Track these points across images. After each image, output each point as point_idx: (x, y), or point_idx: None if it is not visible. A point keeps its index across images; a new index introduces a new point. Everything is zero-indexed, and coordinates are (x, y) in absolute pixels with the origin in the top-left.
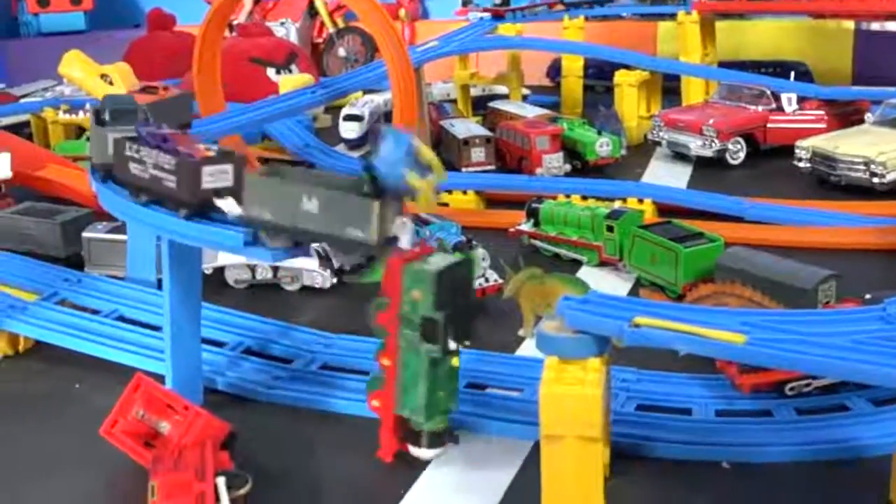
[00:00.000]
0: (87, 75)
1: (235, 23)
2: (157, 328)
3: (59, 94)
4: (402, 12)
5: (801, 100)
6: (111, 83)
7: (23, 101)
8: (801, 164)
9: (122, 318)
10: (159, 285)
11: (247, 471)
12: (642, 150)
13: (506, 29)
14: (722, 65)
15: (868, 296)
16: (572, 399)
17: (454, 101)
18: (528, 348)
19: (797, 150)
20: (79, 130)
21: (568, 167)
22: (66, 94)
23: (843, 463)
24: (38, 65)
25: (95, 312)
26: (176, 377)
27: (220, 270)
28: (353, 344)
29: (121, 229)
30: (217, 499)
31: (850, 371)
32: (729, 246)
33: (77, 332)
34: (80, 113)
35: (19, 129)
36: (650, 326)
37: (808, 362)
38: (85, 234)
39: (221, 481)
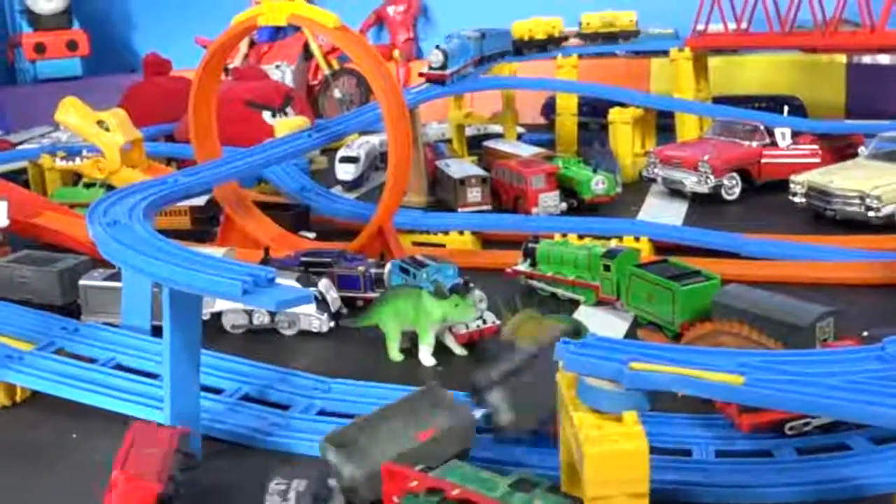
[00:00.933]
0: (84, 121)
1: (231, 66)
2: (154, 376)
3: (56, 141)
4: (396, 53)
5: (794, 134)
6: (108, 129)
7: (20, 147)
8: (797, 199)
9: (119, 367)
10: (154, 332)
11: None
12: (638, 187)
13: (500, 69)
14: (716, 100)
15: (866, 332)
16: (621, 456)
17: (449, 141)
18: None
19: (792, 185)
20: (76, 177)
21: (564, 206)
22: (62, 141)
23: (844, 503)
24: (35, 111)
25: (92, 361)
26: (174, 425)
27: (217, 316)
28: (350, 388)
29: (117, 276)
30: None
31: (848, 412)
32: (726, 283)
33: (74, 382)
34: (77, 159)
35: (16, 177)
36: (648, 370)
37: (805, 403)
38: (81, 282)
39: None
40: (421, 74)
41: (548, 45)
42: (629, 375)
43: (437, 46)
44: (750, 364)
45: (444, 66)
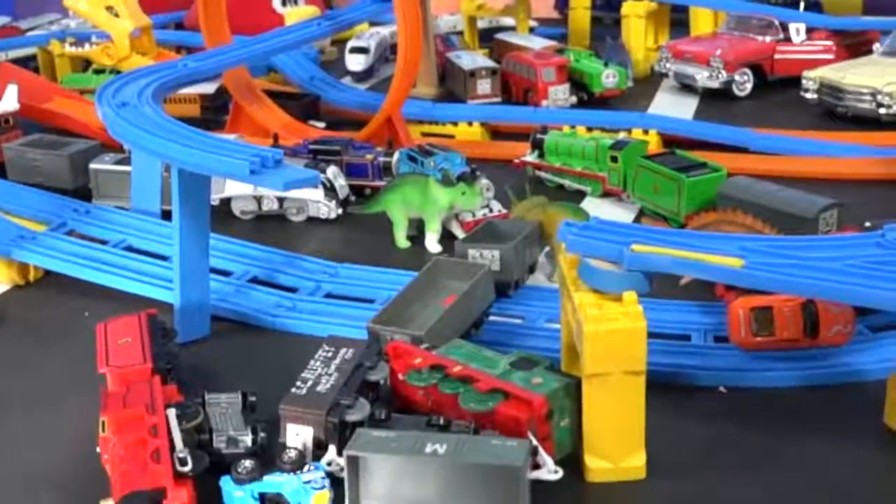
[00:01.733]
0: (93, 7)
1: None
2: (164, 258)
3: (65, 27)
4: None
5: (809, 30)
6: (117, 15)
7: (29, 34)
8: (808, 95)
9: (130, 248)
10: (164, 216)
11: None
12: (649, 82)
13: None
14: None
15: (868, 223)
16: (620, 335)
17: (461, 34)
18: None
19: (804, 81)
20: (85, 63)
21: (574, 99)
22: (72, 27)
23: (840, 387)
24: None
25: (103, 242)
26: (184, 305)
27: (226, 202)
28: (356, 273)
29: (128, 161)
30: (169, 431)
31: (844, 294)
32: (732, 176)
33: (85, 262)
34: (87, 46)
35: (26, 63)
36: (649, 251)
37: (804, 286)
38: (92, 166)
39: (172, 413)
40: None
41: None
42: (630, 257)
43: None
44: (750, 248)
45: None
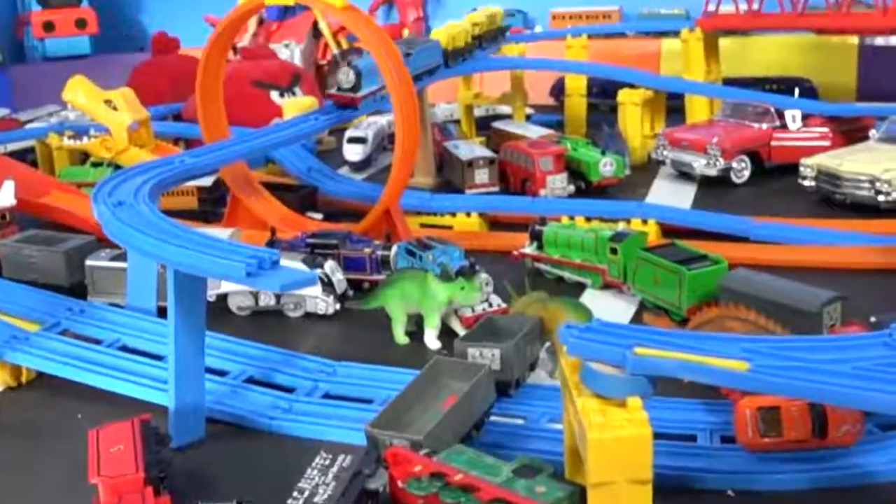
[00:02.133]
0: (91, 101)
1: (239, 45)
2: (159, 357)
3: (63, 120)
4: (405, 32)
5: (805, 117)
6: (115, 108)
7: (28, 126)
8: (806, 183)
9: (124, 348)
10: (160, 313)
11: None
12: (646, 170)
13: (509, 49)
14: (726, 82)
15: (873, 318)
16: (625, 442)
17: (458, 122)
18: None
19: (802, 168)
20: (83, 156)
21: (572, 188)
22: (70, 120)
23: (851, 490)
24: (43, 89)
25: (98, 342)
26: (179, 408)
27: (223, 297)
28: (355, 371)
29: (124, 257)
30: None
31: (853, 399)
32: (733, 267)
33: (79, 363)
34: (85, 139)
35: (24, 155)
36: (653, 355)
37: (811, 390)
38: (88, 262)
39: None
40: (328, 96)
41: (464, 55)
42: (633, 361)
43: (350, 62)
44: (755, 350)
45: (356, 87)
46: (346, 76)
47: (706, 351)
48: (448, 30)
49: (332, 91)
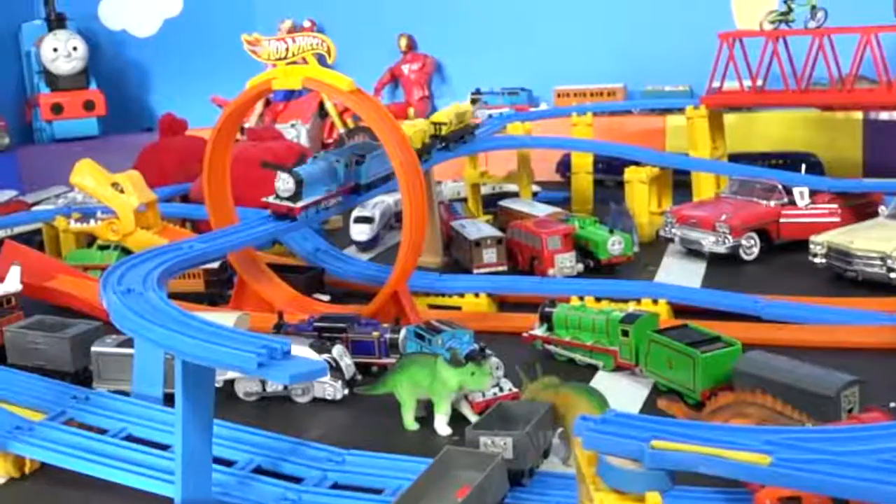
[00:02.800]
0: (99, 184)
1: (246, 126)
2: (165, 447)
3: (71, 202)
4: (411, 111)
5: (812, 193)
6: (122, 191)
7: (35, 208)
8: (817, 260)
9: (130, 437)
10: (166, 400)
11: None
12: (655, 247)
13: (514, 128)
14: (731, 157)
15: (893, 404)
16: None
17: (464, 200)
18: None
19: (812, 246)
20: (90, 239)
21: (581, 266)
22: (78, 202)
23: None
24: (52, 170)
25: (103, 432)
26: (185, 500)
27: (230, 383)
28: (364, 460)
29: (130, 343)
30: None
31: (881, 495)
32: (746, 347)
33: (84, 454)
34: (92, 221)
35: (31, 237)
36: (671, 448)
37: (836, 485)
38: (94, 349)
39: None
40: (266, 204)
41: (422, 157)
42: (651, 455)
43: (290, 171)
44: (776, 442)
45: (295, 196)
46: (284, 183)
47: (726, 443)
48: (405, 130)
49: (270, 199)
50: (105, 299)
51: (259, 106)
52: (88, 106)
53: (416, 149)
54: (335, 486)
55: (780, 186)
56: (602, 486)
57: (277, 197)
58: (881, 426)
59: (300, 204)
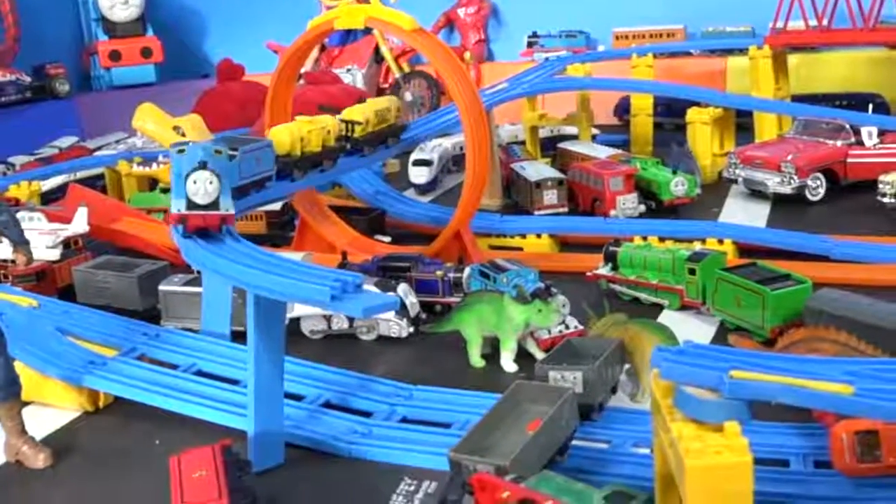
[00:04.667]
0: (160, 127)
1: (303, 71)
2: (235, 382)
3: (131, 147)
4: (467, 55)
5: (881, 133)
6: (183, 135)
7: (97, 154)
8: (885, 200)
9: (200, 373)
10: (234, 337)
11: None
12: (717, 189)
13: (574, 69)
14: (795, 99)
15: None
16: (725, 470)
17: (522, 143)
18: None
19: (881, 185)
20: (152, 182)
21: (643, 208)
22: (138, 147)
23: None
24: (110, 118)
25: (174, 367)
26: (258, 433)
27: (295, 321)
28: (431, 395)
29: (197, 282)
30: None
31: None
32: (816, 286)
33: (156, 388)
34: (154, 165)
35: (93, 183)
36: (750, 378)
37: None
38: (161, 287)
39: None
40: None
41: (321, 165)
42: (730, 384)
43: (206, 165)
44: (858, 373)
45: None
46: (202, 186)
47: (805, 373)
48: (296, 128)
49: (178, 211)
50: (177, 237)
51: (315, 51)
52: (146, 53)
53: (313, 152)
54: (404, 420)
55: (847, 126)
56: (679, 416)
57: (191, 206)
58: None
59: (221, 211)
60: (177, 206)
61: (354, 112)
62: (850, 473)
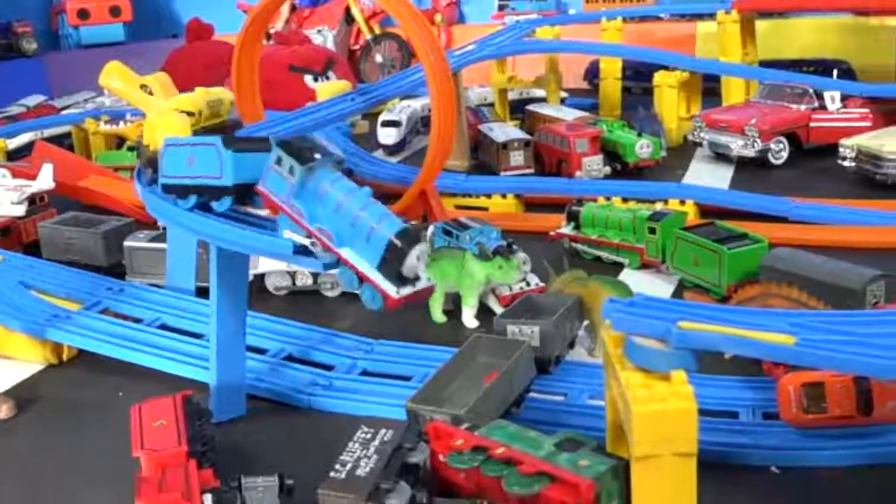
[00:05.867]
0: (127, 86)
1: (273, 31)
2: (199, 336)
3: (99, 105)
4: (438, 17)
5: (844, 98)
6: (151, 93)
7: (64, 112)
8: (846, 164)
9: (164, 327)
10: (198, 293)
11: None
12: (683, 152)
13: (543, 32)
14: (762, 64)
15: None
16: (670, 416)
17: (491, 105)
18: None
19: (841, 149)
20: (119, 141)
21: (608, 169)
22: (106, 105)
23: None
24: (78, 76)
25: (138, 321)
26: (220, 384)
27: (259, 277)
28: (393, 349)
29: (161, 238)
30: None
31: None
32: (773, 247)
33: (120, 341)
34: (121, 123)
35: (61, 141)
36: (697, 329)
37: (860, 364)
38: (126, 243)
39: (208, 499)
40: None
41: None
42: (677, 334)
43: None
44: (801, 324)
45: None
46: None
47: (751, 325)
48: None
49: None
50: (140, 190)
51: (285, 11)
52: (114, 12)
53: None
54: (364, 373)
55: (811, 91)
56: (628, 365)
57: None
58: None
59: None
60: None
61: (184, 102)
62: (796, 424)
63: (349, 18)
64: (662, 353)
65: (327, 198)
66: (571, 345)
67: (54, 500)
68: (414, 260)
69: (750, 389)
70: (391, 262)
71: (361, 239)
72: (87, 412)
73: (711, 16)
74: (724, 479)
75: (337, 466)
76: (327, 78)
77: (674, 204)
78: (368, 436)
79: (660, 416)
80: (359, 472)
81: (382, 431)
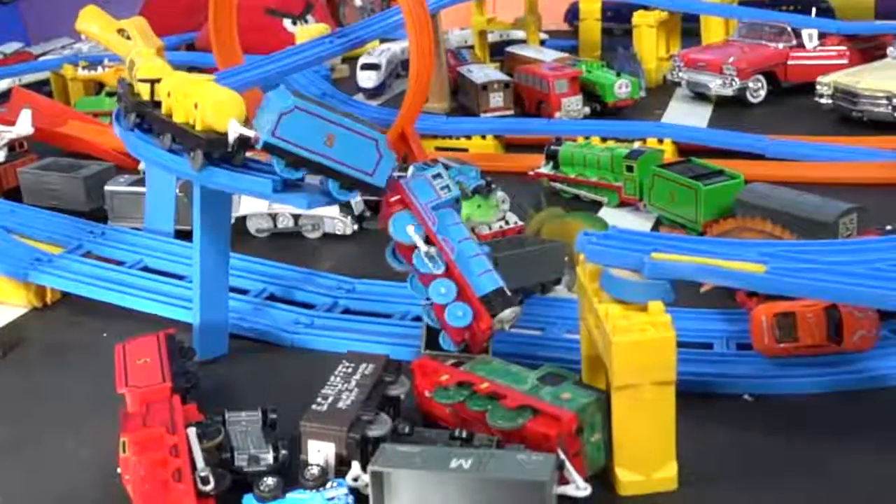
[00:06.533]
0: (105, 31)
1: None
2: (181, 277)
3: (77, 51)
4: None
5: (822, 36)
6: (129, 38)
7: (42, 59)
8: (823, 101)
9: (146, 269)
10: (177, 236)
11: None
12: (662, 91)
13: None
14: (742, 3)
15: (889, 227)
16: (649, 345)
17: (471, 48)
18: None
19: (818, 87)
20: (98, 86)
21: (587, 110)
22: (84, 51)
23: (866, 393)
24: (55, 23)
25: (120, 263)
26: (203, 324)
27: (241, 220)
28: (374, 288)
29: (142, 182)
30: (190, 450)
31: (871, 298)
32: (749, 183)
33: (103, 283)
34: (99, 69)
35: (39, 87)
36: (670, 259)
37: (828, 290)
38: (107, 188)
39: (193, 432)
40: None
41: None
42: (650, 265)
43: None
44: (771, 253)
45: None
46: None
47: (723, 255)
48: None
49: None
50: (119, 131)
51: None
52: None
53: None
54: (346, 311)
55: (789, 29)
56: (605, 297)
57: None
58: (873, 240)
59: None
60: None
61: (155, 70)
62: (769, 354)
63: None
64: (639, 284)
65: (458, 228)
66: (558, 282)
67: (42, 439)
68: (508, 314)
69: (724, 321)
70: (493, 303)
71: (475, 272)
72: (72, 353)
73: None
74: (699, 407)
75: (319, 399)
76: (306, 21)
77: (652, 143)
78: (350, 370)
79: (639, 346)
80: (340, 404)
81: (364, 365)
